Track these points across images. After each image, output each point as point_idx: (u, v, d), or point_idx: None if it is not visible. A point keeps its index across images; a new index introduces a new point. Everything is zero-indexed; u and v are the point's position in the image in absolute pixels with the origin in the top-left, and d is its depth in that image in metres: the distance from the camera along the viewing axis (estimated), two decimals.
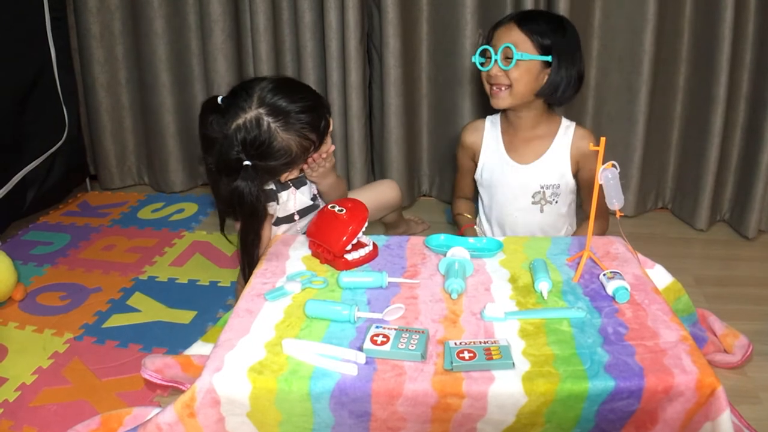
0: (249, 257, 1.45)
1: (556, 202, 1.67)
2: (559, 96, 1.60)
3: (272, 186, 1.56)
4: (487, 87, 1.63)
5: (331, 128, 1.52)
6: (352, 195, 1.81)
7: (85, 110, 2.49)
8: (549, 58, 1.54)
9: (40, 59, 2.18)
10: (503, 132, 1.71)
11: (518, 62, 1.54)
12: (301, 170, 1.55)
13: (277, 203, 1.57)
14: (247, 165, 1.37)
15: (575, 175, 1.68)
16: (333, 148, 1.55)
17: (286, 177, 1.51)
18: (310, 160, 1.51)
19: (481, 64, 1.61)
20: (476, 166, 1.75)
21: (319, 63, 2.19)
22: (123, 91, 2.47)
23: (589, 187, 1.63)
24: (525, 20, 1.56)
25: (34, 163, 2.17)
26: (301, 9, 2.13)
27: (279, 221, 1.60)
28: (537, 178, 1.65)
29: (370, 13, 2.13)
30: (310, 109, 1.41)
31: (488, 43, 1.60)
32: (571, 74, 1.58)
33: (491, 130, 1.73)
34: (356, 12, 2.04)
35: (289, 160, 1.43)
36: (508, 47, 1.54)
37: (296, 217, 1.61)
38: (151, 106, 2.41)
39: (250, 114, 1.37)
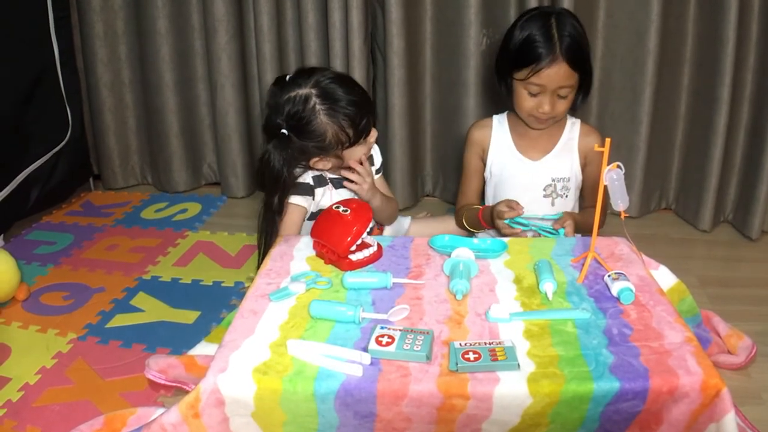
0: (267, 224, 1.57)
1: (567, 196, 1.66)
2: (584, 100, 1.63)
3: (310, 181, 1.58)
4: (525, 115, 1.61)
5: (372, 138, 1.57)
6: (418, 225, 1.92)
7: (89, 110, 2.49)
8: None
9: (43, 58, 2.18)
10: (512, 130, 1.70)
11: (568, 97, 1.55)
12: (336, 169, 1.59)
13: (313, 198, 1.59)
14: (284, 133, 1.49)
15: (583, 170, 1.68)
16: (366, 165, 1.60)
17: (315, 163, 1.55)
18: (352, 171, 1.57)
19: (530, 95, 1.56)
20: (484, 165, 1.74)
21: (322, 63, 2.18)
22: (126, 90, 2.47)
23: (593, 184, 1.63)
24: (573, 55, 1.50)
25: (37, 162, 2.17)
26: (304, 9, 2.13)
27: (313, 217, 1.61)
28: (548, 172, 1.65)
29: (373, 13, 2.13)
30: (356, 104, 1.49)
31: (530, 78, 1.53)
32: (591, 80, 1.60)
33: (499, 127, 1.72)
34: (360, 12, 2.04)
35: (322, 146, 1.51)
36: (563, 88, 1.53)
37: None
38: (155, 105, 2.41)
39: (303, 91, 1.49)
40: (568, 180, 1.66)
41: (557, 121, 1.63)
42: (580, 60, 1.52)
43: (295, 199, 1.58)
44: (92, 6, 2.32)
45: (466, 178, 1.79)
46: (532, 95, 1.56)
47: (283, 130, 1.50)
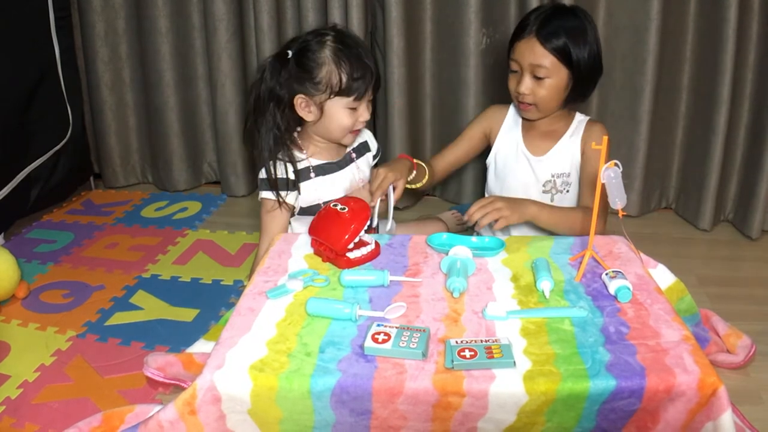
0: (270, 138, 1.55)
1: (567, 191, 1.66)
2: (584, 98, 1.64)
3: (292, 176, 1.57)
4: (513, 99, 1.65)
5: (362, 117, 1.54)
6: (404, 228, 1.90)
7: (89, 109, 2.49)
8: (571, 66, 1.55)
9: (44, 58, 2.19)
10: (523, 122, 1.72)
11: (546, 81, 1.55)
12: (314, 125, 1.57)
13: (299, 193, 1.58)
14: (287, 53, 1.51)
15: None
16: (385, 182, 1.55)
17: (300, 104, 1.52)
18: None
19: (511, 71, 1.61)
20: (484, 143, 1.78)
21: None
22: (127, 89, 2.48)
23: (588, 181, 1.63)
24: (546, 35, 1.52)
25: (38, 161, 2.17)
26: (304, 8, 2.13)
27: (305, 211, 1.61)
28: (548, 168, 1.66)
29: (373, 12, 2.13)
30: (362, 61, 1.49)
31: (510, 55, 1.60)
32: (595, 74, 1.59)
33: (513, 116, 1.74)
34: (360, 11, 2.04)
35: (313, 81, 1.49)
36: (536, 66, 1.54)
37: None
38: (155, 104, 2.42)
39: (324, 30, 1.53)
40: (568, 175, 1.66)
41: (543, 112, 1.62)
42: (558, 47, 1.52)
43: (268, 194, 1.57)
44: (93, 6, 2.32)
45: (455, 142, 1.83)
46: (513, 73, 1.60)
47: (289, 51, 1.51)
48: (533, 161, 1.68)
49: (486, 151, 1.81)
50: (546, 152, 1.67)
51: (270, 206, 1.59)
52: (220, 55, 2.27)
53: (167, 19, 2.31)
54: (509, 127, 1.74)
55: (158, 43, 2.32)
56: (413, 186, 1.67)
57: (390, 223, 1.57)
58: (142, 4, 2.30)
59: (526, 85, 1.57)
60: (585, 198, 1.64)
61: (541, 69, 1.54)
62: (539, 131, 1.69)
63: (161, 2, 2.28)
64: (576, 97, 1.62)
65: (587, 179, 1.64)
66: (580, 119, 1.69)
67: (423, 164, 1.74)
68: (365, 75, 1.50)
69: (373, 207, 1.51)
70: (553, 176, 1.66)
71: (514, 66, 1.59)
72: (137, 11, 2.34)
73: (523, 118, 1.70)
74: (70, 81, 2.30)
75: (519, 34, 1.57)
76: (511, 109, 1.76)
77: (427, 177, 1.73)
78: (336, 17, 2.06)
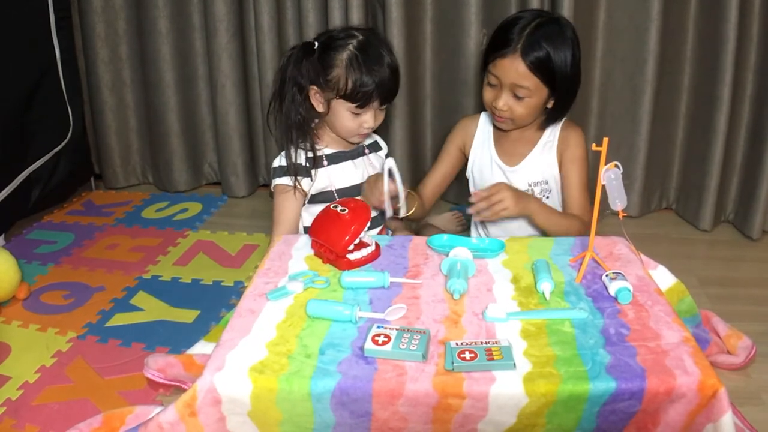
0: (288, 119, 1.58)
1: (547, 197, 1.65)
2: (561, 116, 1.61)
3: (303, 162, 1.58)
4: (487, 108, 1.62)
5: (366, 124, 1.55)
6: None
7: (90, 109, 2.50)
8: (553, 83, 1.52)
9: (44, 59, 2.19)
10: (494, 132, 1.70)
11: (526, 99, 1.52)
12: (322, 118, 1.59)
13: (311, 180, 1.59)
14: (313, 43, 1.54)
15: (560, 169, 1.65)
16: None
17: (313, 93, 1.54)
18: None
19: (489, 84, 1.57)
20: (466, 159, 1.75)
21: None
22: (127, 90, 2.48)
23: (570, 190, 1.61)
24: (532, 55, 1.47)
25: (38, 162, 2.17)
26: (305, 8, 2.13)
27: (315, 199, 1.62)
28: (524, 177, 1.64)
29: (374, 13, 2.13)
30: (376, 76, 1.49)
31: (489, 66, 1.55)
32: (575, 92, 1.56)
33: (485, 125, 1.72)
34: (360, 11, 2.04)
35: (325, 78, 1.51)
36: (518, 87, 1.51)
37: (336, 196, 1.61)
38: (156, 105, 2.42)
39: (355, 32, 1.53)
40: (546, 182, 1.63)
41: (519, 126, 1.60)
42: (543, 68, 1.48)
43: (283, 180, 1.58)
44: (93, 7, 2.33)
45: (436, 162, 1.81)
46: (491, 86, 1.56)
47: (316, 42, 1.53)
48: (508, 171, 1.65)
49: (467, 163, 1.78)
50: (520, 162, 1.64)
51: (284, 191, 1.60)
52: (220, 55, 2.27)
53: (167, 19, 2.31)
54: (481, 139, 1.72)
55: (158, 44, 2.33)
56: (405, 215, 1.61)
57: (403, 209, 1.57)
58: (143, 5, 2.30)
59: (505, 101, 1.54)
60: (571, 206, 1.61)
61: (523, 90, 1.51)
62: (511, 140, 1.66)
63: (161, 3, 2.28)
64: (555, 115, 1.59)
65: (568, 188, 1.62)
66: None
67: (412, 192, 1.66)
68: (372, 87, 1.50)
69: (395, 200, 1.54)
70: (530, 185, 1.63)
71: (492, 80, 1.55)
72: (137, 12, 2.34)
73: (496, 127, 1.66)
74: (70, 81, 2.30)
75: (501, 48, 1.50)
76: (482, 119, 1.73)
77: (417, 204, 1.64)
78: (336, 18, 2.06)
